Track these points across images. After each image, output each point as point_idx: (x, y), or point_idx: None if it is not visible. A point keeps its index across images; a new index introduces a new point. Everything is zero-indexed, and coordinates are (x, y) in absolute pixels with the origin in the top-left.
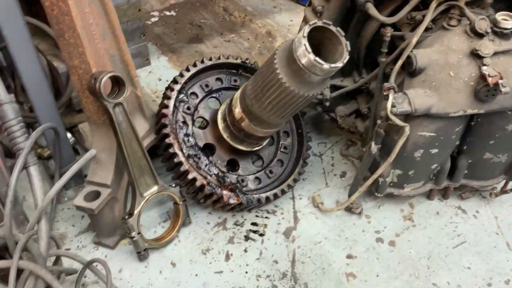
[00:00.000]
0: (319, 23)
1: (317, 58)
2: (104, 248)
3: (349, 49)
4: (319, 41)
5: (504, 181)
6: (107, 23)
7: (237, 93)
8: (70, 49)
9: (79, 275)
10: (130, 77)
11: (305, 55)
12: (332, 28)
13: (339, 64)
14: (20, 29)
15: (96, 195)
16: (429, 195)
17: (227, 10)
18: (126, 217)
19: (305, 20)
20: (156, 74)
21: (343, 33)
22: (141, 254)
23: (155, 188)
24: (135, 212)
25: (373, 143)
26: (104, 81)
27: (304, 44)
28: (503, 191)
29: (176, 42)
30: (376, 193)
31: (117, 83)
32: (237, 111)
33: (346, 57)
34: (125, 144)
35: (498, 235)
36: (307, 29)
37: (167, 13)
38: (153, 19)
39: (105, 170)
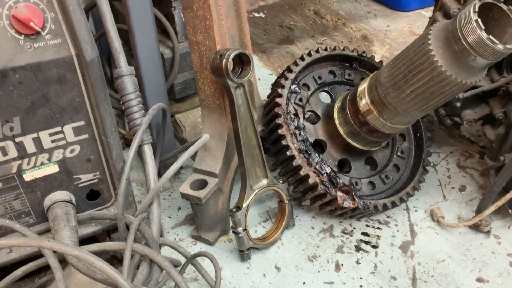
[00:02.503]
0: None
1: (491, 37)
2: (202, 243)
3: None
4: (483, 21)
5: None
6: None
7: (364, 84)
8: (196, 22)
9: (182, 268)
10: (243, 42)
11: (475, 32)
12: (503, 6)
13: None
14: (147, 14)
15: (203, 184)
16: None
17: (318, 14)
18: (234, 209)
19: (443, 9)
20: None
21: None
22: (244, 254)
23: (264, 182)
24: (244, 205)
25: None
26: (232, 57)
27: (476, 20)
28: None
29: (267, 42)
30: (510, 210)
31: (241, 63)
32: (364, 102)
33: None
34: (241, 130)
35: None
36: (477, 3)
37: (256, 14)
38: None
39: (213, 159)
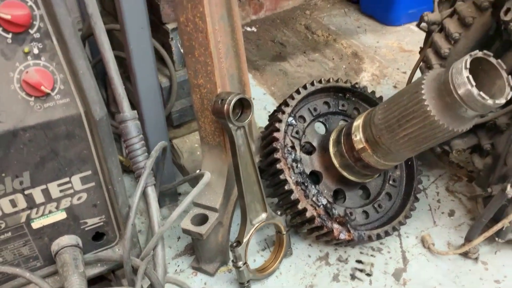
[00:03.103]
0: (480, 54)
1: (482, 93)
2: (203, 274)
3: (511, 84)
4: (472, 73)
5: None
6: (231, 41)
7: (359, 121)
8: (198, 66)
9: None
10: (242, 82)
11: (466, 87)
12: (493, 60)
13: (503, 101)
14: (145, 41)
15: (203, 218)
16: None
17: (309, 29)
18: (235, 244)
19: (433, 46)
20: None
21: (504, 66)
22: (245, 286)
23: (263, 216)
24: (244, 240)
25: (509, 186)
26: (233, 103)
27: (467, 77)
28: None
29: (260, 59)
30: (496, 239)
31: (241, 106)
32: (358, 140)
33: (509, 93)
34: (241, 168)
35: None
36: (468, 59)
37: (248, 29)
38: None
39: (213, 193)
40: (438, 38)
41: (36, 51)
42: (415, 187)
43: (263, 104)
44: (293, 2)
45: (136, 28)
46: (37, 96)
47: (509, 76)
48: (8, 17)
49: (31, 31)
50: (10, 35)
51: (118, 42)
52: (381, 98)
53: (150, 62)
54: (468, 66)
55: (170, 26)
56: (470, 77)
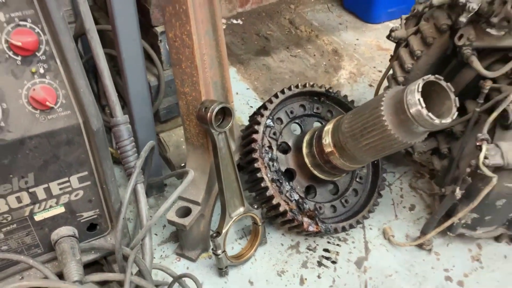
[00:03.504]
0: (432, 78)
1: (430, 114)
2: (186, 260)
3: (457, 105)
4: (426, 93)
5: None
6: (216, 52)
7: (329, 126)
8: (184, 77)
9: (169, 286)
10: (225, 88)
11: (417, 108)
12: (443, 83)
13: (449, 120)
14: (136, 48)
15: (187, 211)
16: (497, 238)
17: (293, 23)
18: (214, 235)
19: (399, 60)
20: None
21: (453, 89)
22: (223, 271)
23: (241, 210)
24: (223, 231)
25: (457, 189)
26: (216, 111)
27: (418, 99)
28: None
29: (244, 53)
30: (448, 233)
31: (223, 113)
32: (327, 144)
33: (455, 113)
34: (222, 168)
35: None
36: (421, 83)
37: (234, 21)
38: None
39: (196, 189)
40: (403, 53)
41: (42, 71)
42: (379, 184)
43: (246, 99)
44: None
45: (129, 40)
46: (42, 109)
47: (456, 98)
48: (19, 43)
49: (38, 54)
50: (19, 58)
51: (110, 40)
52: (352, 102)
53: (140, 67)
54: (420, 89)
55: (159, 29)
56: (421, 99)
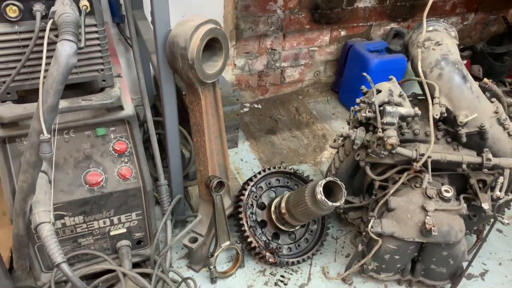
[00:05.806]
0: (331, 179)
1: (325, 199)
2: (192, 270)
3: (345, 195)
4: (331, 185)
5: (450, 284)
6: (220, 147)
7: (285, 197)
8: (200, 161)
9: (179, 283)
10: (225, 167)
11: (320, 196)
12: (339, 182)
13: (338, 203)
14: (175, 129)
15: (195, 239)
16: (398, 282)
17: (298, 111)
18: (210, 256)
19: (334, 159)
20: (240, 155)
21: (343, 186)
22: (213, 280)
23: (228, 243)
24: (215, 254)
25: (360, 244)
26: (215, 183)
27: (320, 191)
28: None
29: (258, 131)
30: (362, 274)
31: (220, 184)
32: (283, 207)
33: (343, 199)
34: (216, 217)
35: None
36: (324, 182)
37: (255, 105)
38: (245, 109)
39: (202, 226)
40: (336, 156)
41: (126, 160)
42: (323, 237)
43: (251, 166)
44: (291, 88)
45: (173, 135)
46: (123, 178)
47: (345, 191)
48: (117, 148)
49: (126, 153)
50: (116, 154)
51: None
52: (312, 180)
53: (177, 147)
54: (322, 185)
55: None
56: (322, 191)
